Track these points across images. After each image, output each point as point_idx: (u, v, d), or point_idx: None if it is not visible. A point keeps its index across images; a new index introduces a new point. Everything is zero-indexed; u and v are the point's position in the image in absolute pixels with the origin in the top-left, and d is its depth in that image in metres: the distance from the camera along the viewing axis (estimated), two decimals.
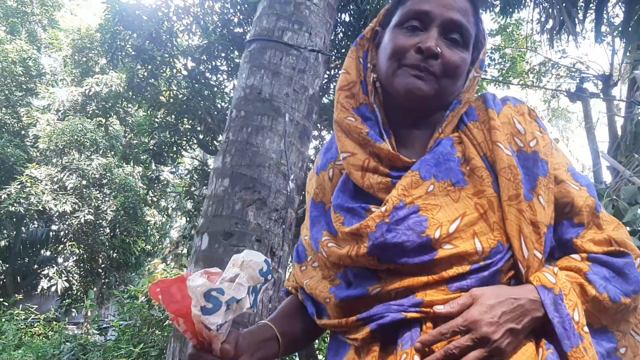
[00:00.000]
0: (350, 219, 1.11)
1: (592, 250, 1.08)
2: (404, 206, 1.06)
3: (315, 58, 3.04)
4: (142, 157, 12.64)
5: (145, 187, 14.50)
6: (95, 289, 13.83)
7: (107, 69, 13.69)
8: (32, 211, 13.82)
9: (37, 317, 10.80)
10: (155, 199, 15.69)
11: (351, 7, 8.08)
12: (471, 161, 1.09)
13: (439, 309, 1.00)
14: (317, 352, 7.68)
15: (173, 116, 10.28)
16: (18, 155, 15.03)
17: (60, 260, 15.47)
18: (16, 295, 12.04)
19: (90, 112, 14.81)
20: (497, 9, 8.87)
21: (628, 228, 3.19)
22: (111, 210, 14.31)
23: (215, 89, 10.31)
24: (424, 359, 0.98)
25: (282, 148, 2.84)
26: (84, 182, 13.99)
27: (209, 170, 10.50)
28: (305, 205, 1.34)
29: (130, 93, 11.07)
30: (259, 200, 2.72)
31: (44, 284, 14.30)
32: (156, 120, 10.70)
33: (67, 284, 14.45)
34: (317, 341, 7.77)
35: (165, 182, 14.98)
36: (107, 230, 14.79)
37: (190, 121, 10.33)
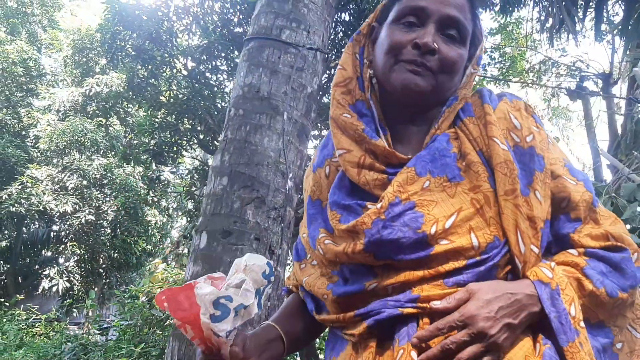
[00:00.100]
0: (346, 217, 1.11)
1: (589, 245, 1.08)
2: (400, 202, 1.06)
3: (313, 56, 3.04)
4: (142, 157, 12.65)
5: (145, 187, 14.52)
6: (96, 289, 13.84)
7: (107, 69, 13.70)
8: (33, 211, 13.84)
9: (38, 317, 10.81)
10: (155, 199, 15.70)
11: (351, 6, 8.08)
12: (467, 156, 1.09)
13: (436, 304, 1.00)
14: (317, 351, 7.67)
15: (173, 116, 10.28)
16: (19, 155, 15.04)
17: (61, 260, 15.49)
18: (17, 295, 12.06)
19: (91, 112, 14.83)
20: (497, 8, 8.86)
21: (627, 225, 3.19)
22: (112, 211, 14.32)
23: (216, 88, 10.32)
24: (421, 354, 0.98)
25: (281, 146, 2.84)
26: (85, 183, 14.01)
27: (209, 170, 10.46)
28: (304, 204, 1.34)
29: (131, 93, 11.07)
30: (257, 199, 2.72)
31: (45, 284, 14.32)
32: (156, 120, 10.70)
33: (68, 284, 14.47)
34: (318, 340, 7.77)
35: (165, 182, 14.99)
36: (108, 231, 14.80)
37: (191, 121, 10.34)
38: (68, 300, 13.03)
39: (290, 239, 2.93)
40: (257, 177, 2.75)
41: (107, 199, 14.49)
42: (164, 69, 10.17)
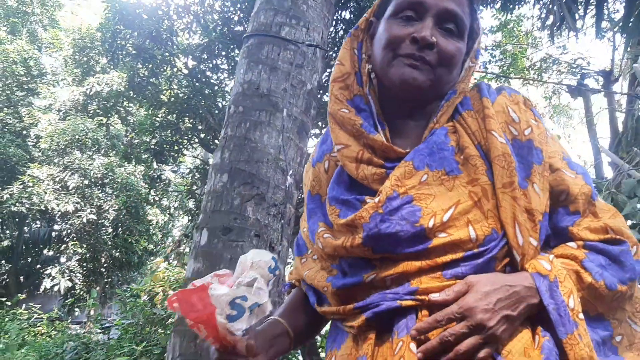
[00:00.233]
0: (345, 211, 1.11)
1: (588, 238, 1.08)
2: (398, 196, 1.06)
3: (313, 53, 3.04)
4: (143, 156, 12.65)
5: (147, 186, 14.54)
6: (98, 288, 13.86)
7: (108, 68, 13.70)
8: (34, 211, 13.86)
9: (40, 316, 10.83)
10: (157, 198, 15.72)
11: (351, 4, 8.08)
12: (465, 150, 1.09)
13: (434, 296, 1.00)
14: (319, 350, 7.68)
15: (174, 115, 10.29)
16: (20, 155, 15.06)
17: (62, 259, 15.50)
18: (19, 295, 12.06)
19: (92, 111, 14.84)
20: (497, 5, 8.86)
21: (628, 221, 3.19)
22: (113, 210, 14.34)
23: (216, 87, 10.32)
24: (420, 346, 0.98)
25: (281, 143, 2.84)
26: (86, 182, 14.02)
27: (210, 167, 10.46)
28: (304, 199, 1.34)
29: (131, 92, 11.07)
30: (257, 196, 2.72)
31: (46, 283, 14.33)
32: (157, 119, 10.71)
33: (69, 284, 14.48)
34: (319, 338, 7.78)
35: (167, 181, 15.01)
36: (110, 230, 14.82)
37: (191, 120, 10.34)
38: (70, 300, 13.05)
39: (291, 236, 2.93)
40: (257, 174, 2.75)
41: (109, 198, 14.50)
42: (165, 67, 10.17)
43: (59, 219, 14.79)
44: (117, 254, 14.97)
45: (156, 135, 10.85)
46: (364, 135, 1.13)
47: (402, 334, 1.00)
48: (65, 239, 15.10)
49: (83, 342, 7.19)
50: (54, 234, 15.58)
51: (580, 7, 6.11)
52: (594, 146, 9.85)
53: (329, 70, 8.43)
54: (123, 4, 9.12)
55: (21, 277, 15.67)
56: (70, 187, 13.78)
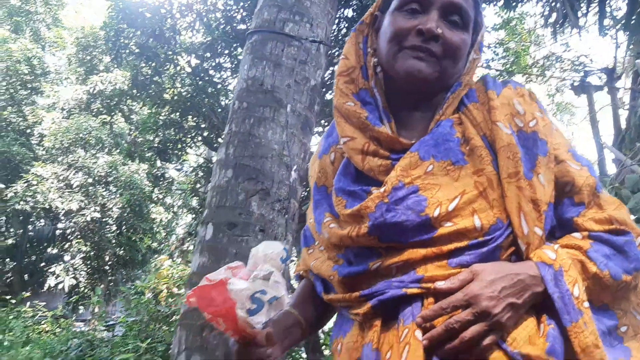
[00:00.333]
0: (352, 202, 1.12)
1: (593, 228, 1.08)
2: (403, 186, 1.07)
3: (316, 49, 3.05)
4: (147, 155, 12.66)
5: (150, 184, 14.56)
6: (102, 285, 13.90)
7: (111, 67, 13.73)
8: (38, 209, 13.90)
9: (44, 314, 10.86)
10: (160, 197, 15.74)
11: (353, 1, 8.08)
12: (471, 141, 1.10)
13: (440, 284, 1.01)
14: (322, 347, 7.70)
15: (177, 114, 10.31)
16: (24, 153, 15.09)
17: (67, 257, 15.53)
18: (23, 292, 12.10)
19: (95, 110, 14.87)
20: (500, 3, 8.84)
21: (632, 216, 3.19)
22: (117, 208, 14.37)
23: (219, 86, 10.33)
24: (426, 333, 0.99)
25: (285, 139, 2.85)
26: (90, 180, 14.05)
27: (214, 163, 10.46)
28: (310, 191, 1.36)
29: (135, 91, 11.09)
30: (262, 191, 2.74)
31: (51, 281, 14.36)
32: (160, 117, 10.73)
33: (74, 281, 14.51)
34: (322, 336, 7.79)
35: (170, 180, 15.03)
36: (114, 228, 14.85)
37: (195, 118, 10.36)
38: (74, 297, 13.07)
39: (295, 231, 2.94)
40: (261, 170, 2.77)
41: (112, 196, 14.53)
42: (168, 66, 10.18)
43: (63, 217, 14.83)
44: (121, 252, 15.00)
45: (159, 133, 10.87)
46: (370, 128, 1.14)
47: (407, 322, 1.01)
48: (69, 237, 15.14)
49: (87, 339, 7.20)
50: (58, 232, 15.61)
51: (582, 4, 6.10)
52: (597, 143, 9.85)
53: (331, 68, 8.44)
54: (126, 3, 9.14)
55: (25, 275, 15.70)
56: (74, 186, 13.82)
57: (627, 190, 3.28)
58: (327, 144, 1.31)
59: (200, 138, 10.83)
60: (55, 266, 14.71)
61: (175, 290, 7.60)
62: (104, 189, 14.46)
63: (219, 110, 9.91)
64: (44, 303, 11.61)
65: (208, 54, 9.78)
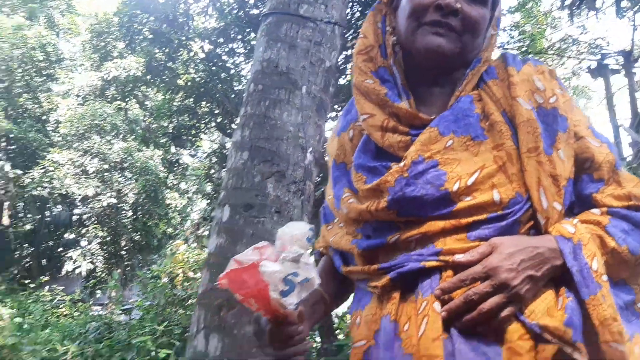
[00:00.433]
0: (371, 178, 1.13)
1: (611, 204, 1.09)
2: (423, 161, 1.08)
3: (331, 30, 3.03)
4: (161, 141, 12.74)
5: (165, 170, 14.66)
6: (118, 270, 14.05)
7: (125, 53, 13.78)
8: (55, 195, 14.07)
9: (62, 298, 11.02)
10: (175, 182, 15.86)
11: None
12: (490, 116, 1.10)
13: (459, 257, 1.02)
14: (336, 331, 7.74)
15: (191, 99, 10.35)
16: (40, 140, 15.25)
17: (84, 243, 15.72)
18: (42, 277, 12.29)
19: (110, 96, 14.96)
20: None
21: None
22: (133, 194, 14.49)
23: (232, 71, 10.34)
24: (444, 306, 1.00)
25: (300, 121, 2.85)
26: (106, 166, 14.18)
27: (227, 153, 10.56)
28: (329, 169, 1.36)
29: (149, 77, 11.14)
30: (277, 173, 2.75)
31: (68, 266, 14.55)
32: (174, 103, 10.77)
33: (91, 266, 14.70)
34: (336, 320, 7.83)
35: (184, 166, 15.12)
36: (129, 213, 15.00)
37: (208, 104, 10.39)
38: (92, 281, 13.25)
39: (311, 213, 2.96)
40: (277, 152, 2.77)
41: (128, 182, 14.65)
42: (181, 52, 10.21)
43: (79, 203, 15.00)
44: (137, 237, 15.16)
45: (173, 119, 10.93)
46: (389, 104, 1.15)
47: (426, 294, 1.02)
48: (86, 222, 15.31)
49: (105, 322, 7.30)
50: (75, 217, 15.79)
51: None
52: (614, 126, 9.75)
53: (344, 52, 8.40)
54: None
55: (43, 260, 15.93)
56: (90, 172, 13.96)
57: None
58: (345, 122, 1.31)
59: (213, 124, 10.88)
60: (73, 251, 14.90)
61: (191, 274, 7.67)
62: (120, 175, 14.59)
63: (232, 96, 9.93)
64: (62, 287, 11.79)
65: (221, 39, 9.79)
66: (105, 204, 13.96)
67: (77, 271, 14.51)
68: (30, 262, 15.67)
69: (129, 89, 13.52)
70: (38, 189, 13.63)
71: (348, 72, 8.81)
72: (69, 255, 14.87)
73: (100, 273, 14.78)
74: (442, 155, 1.08)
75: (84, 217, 15.36)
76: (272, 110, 2.85)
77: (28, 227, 15.94)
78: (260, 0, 8.93)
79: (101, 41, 15.11)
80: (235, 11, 9.20)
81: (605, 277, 1.00)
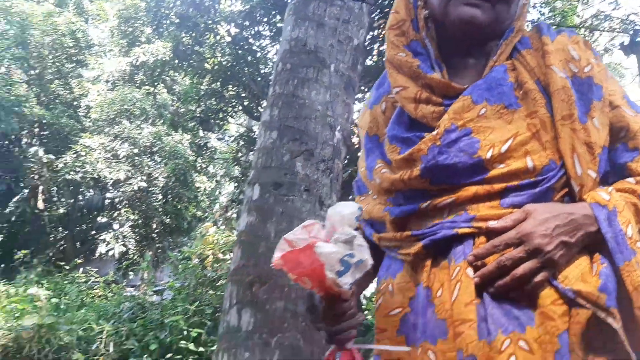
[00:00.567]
0: (405, 149, 1.14)
1: None
2: (456, 129, 1.08)
3: (359, 8, 3.02)
4: (189, 125, 12.86)
5: (194, 154, 14.81)
6: (150, 252, 14.31)
7: (152, 38, 13.88)
8: (87, 179, 14.33)
9: (96, 279, 11.25)
10: (203, 166, 16.01)
11: None
12: (524, 85, 1.10)
13: (492, 224, 1.02)
14: (365, 312, 7.78)
15: (218, 83, 10.40)
16: (72, 125, 15.51)
17: (116, 226, 16.02)
18: (76, 259, 12.56)
19: (138, 81, 15.12)
20: None
21: None
22: (162, 177, 14.68)
23: (259, 54, 10.34)
24: (477, 272, 1.01)
25: (328, 99, 2.86)
26: (136, 150, 14.37)
27: (254, 136, 10.65)
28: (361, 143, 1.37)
29: (176, 61, 11.22)
30: (306, 152, 2.76)
31: (101, 248, 14.87)
32: (202, 87, 10.84)
33: (123, 248, 14.98)
34: (364, 302, 7.87)
35: (212, 149, 15.25)
36: (160, 197, 15.20)
37: (235, 88, 10.43)
38: (124, 263, 13.50)
39: (340, 191, 2.97)
40: (305, 131, 2.79)
41: (158, 166, 14.85)
42: (208, 35, 10.24)
43: (111, 187, 15.26)
44: (168, 220, 15.38)
45: (201, 103, 11.00)
46: (422, 76, 1.15)
47: (459, 260, 1.03)
48: (117, 206, 15.58)
49: (138, 302, 7.44)
50: (107, 201, 16.08)
51: None
52: None
53: (371, 32, 8.33)
54: None
55: (77, 243, 16.27)
56: (121, 156, 14.17)
57: None
58: (378, 94, 1.32)
59: (240, 107, 10.92)
60: (105, 234, 15.20)
61: (220, 255, 7.77)
62: (150, 159, 14.78)
63: (259, 79, 9.95)
64: (96, 269, 12.02)
65: (247, 22, 9.79)
66: (136, 187, 14.18)
67: (110, 253, 14.80)
68: (65, 245, 16.02)
69: (157, 73, 13.63)
70: (71, 173, 13.90)
71: (375, 52, 8.74)
72: (102, 238, 15.18)
73: (132, 255, 15.05)
74: (475, 123, 1.08)
75: (116, 200, 15.64)
76: (300, 89, 2.86)
77: (62, 210, 16.28)
78: None
79: (129, 27, 15.23)
80: None
81: (639, 244, 1.00)
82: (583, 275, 0.99)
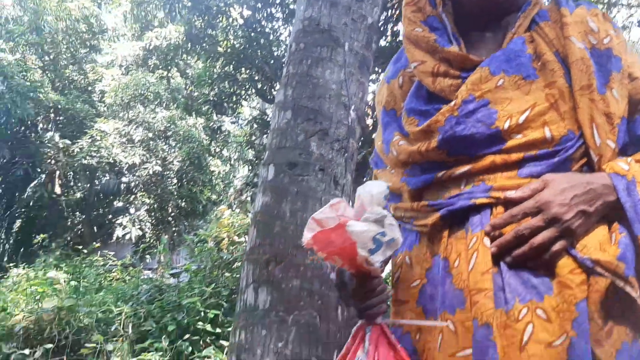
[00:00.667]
0: (423, 121, 1.14)
1: None
2: (473, 100, 1.08)
3: None
4: (203, 109, 12.87)
5: (208, 137, 14.86)
6: (166, 235, 14.44)
7: (165, 22, 13.87)
8: (103, 164, 14.44)
9: (114, 263, 11.39)
10: (218, 149, 16.06)
11: None
12: (543, 56, 1.09)
13: (510, 194, 1.02)
14: None
15: (231, 66, 10.38)
16: (87, 110, 15.60)
17: (132, 210, 16.16)
18: (94, 243, 12.71)
19: (152, 65, 15.15)
20: None
21: None
22: (177, 161, 14.77)
23: (272, 37, 10.30)
24: (494, 241, 1.01)
25: (342, 79, 2.84)
26: (150, 135, 14.45)
27: (268, 119, 10.65)
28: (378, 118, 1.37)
29: (189, 45, 11.21)
30: (321, 131, 2.76)
31: (118, 232, 15.02)
32: (215, 71, 10.83)
33: (140, 232, 15.13)
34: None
35: (226, 133, 15.28)
36: (175, 181, 15.31)
37: (248, 70, 10.41)
38: (141, 246, 13.64)
39: (354, 171, 2.97)
40: (319, 110, 2.78)
41: (172, 150, 14.93)
42: (220, 18, 10.21)
43: (126, 171, 15.38)
44: (183, 203, 15.49)
45: (214, 87, 11.00)
46: (439, 50, 1.15)
47: (476, 230, 1.03)
48: (133, 190, 15.72)
49: (156, 285, 7.53)
50: (122, 185, 16.22)
51: None
52: None
53: (384, 12, 8.25)
54: None
55: (95, 227, 16.45)
56: (136, 140, 14.26)
57: None
58: (395, 69, 1.32)
59: (254, 90, 10.91)
60: (122, 218, 15.35)
61: (235, 238, 7.82)
62: (164, 143, 14.86)
63: (272, 61, 9.91)
64: (113, 253, 12.16)
65: (259, 5, 9.74)
66: (151, 171, 14.28)
67: (127, 237, 14.95)
68: (82, 229, 16.20)
69: (170, 57, 13.65)
70: (87, 158, 14.01)
71: (389, 33, 8.67)
72: (118, 222, 15.33)
73: (149, 239, 15.20)
74: (493, 94, 1.08)
75: (132, 184, 15.76)
76: (314, 68, 2.85)
77: (79, 195, 16.43)
78: None
79: (141, 11, 15.22)
80: None
81: None
82: (602, 244, 0.99)
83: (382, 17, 8.21)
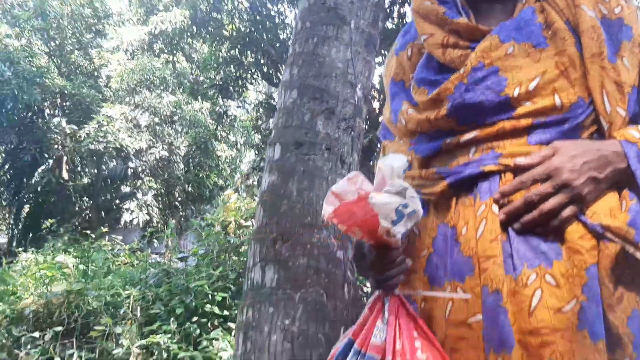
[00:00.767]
0: (433, 90, 1.13)
1: None
2: (483, 67, 1.07)
3: None
4: (209, 93, 12.85)
5: (214, 122, 14.85)
6: (174, 220, 14.52)
7: (170, 6, 13.82)
8: (110, 149, 14.48)
9: (122, 247, 11.46)
10: (224, 134, 16.07)
11: None
12: (553, 25, 1.08)
13: (520, 160, 1.01)
14: None
15: (237, 50, 10.34)
16: (93, 95, 15.61)
17: (139, 195, 16.25)
18: (102, 228, 12.80)
19: (157, 50, 15.12)
20: None
21: None
22: (184, 146, 14.81)
23: (277, 20, 10.24)
24: (502, 209, 1.00)
25: (349, 57, 2.82)
26: (157, 120, 14.47)
27: (274, 103, 10.62)
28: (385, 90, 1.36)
29: (194, 28, 11.17)
30: (327, 110, 2.74)
31: (126, 217, 15.12)
32: (221, 55, 10.79)
33: (147, 217, 15.22)
34: None
35: (232, 117, 15.27)
36: (181, 166, 15.36)
37: (254, 54, 10.37)
38: (149, 231, 13.72)
39: (361, 150, 2.96)
40: (326, 89, 2.77)
41: (179, 135, 14.95)
42: (226, 1, 10.16)
43: (133, 157, 15.43)
44: (190, 188, 15.56)
45: (220, 71, 10.97)
46: (448, 22, 1.14)
47: (484, 197, 1.02)
48: (140, 175, 15.79)
49: (164, 269, 7.57)
50: (129, 170, 16.29)
51: None
52: None
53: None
54: None
55: (102, 212, 16.55)
56: (142, 125, 14.28)
57: None
58: (404, 41, 1.31)
59: (259, 74, 10.87)
60: (129, 203, 15.45)
61: (242, 222, 7.84)
62: (170, 128, 14.88)
63: (278, 45, 9.87)
64: (121, 237, 12.24)
65: None
66: (157, 156, 14.33)
67: (134, 222, 15.05)
68: (90, 214, 16.30)
69: (176, 42, 13.60)
70: (94, 143, 14.06)
71: (395, 15, 8.59)
72: (126, 207, 15.42)
73: (156, 223, 15.29)
74: (503, 62, 1.06)
75: (139, 170, 15.83)
76: (320, 47, 2.83)
77: (86, 180, 16.53)
78: None
79: None
80: None
81: None
82: (612, 210, 0.98)
83: (388, 1, 8.15)
